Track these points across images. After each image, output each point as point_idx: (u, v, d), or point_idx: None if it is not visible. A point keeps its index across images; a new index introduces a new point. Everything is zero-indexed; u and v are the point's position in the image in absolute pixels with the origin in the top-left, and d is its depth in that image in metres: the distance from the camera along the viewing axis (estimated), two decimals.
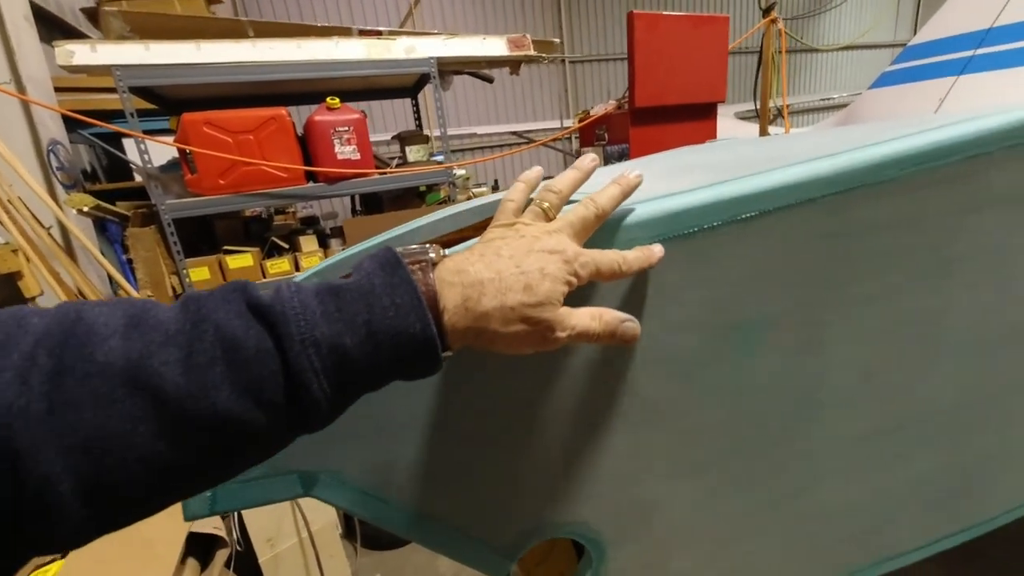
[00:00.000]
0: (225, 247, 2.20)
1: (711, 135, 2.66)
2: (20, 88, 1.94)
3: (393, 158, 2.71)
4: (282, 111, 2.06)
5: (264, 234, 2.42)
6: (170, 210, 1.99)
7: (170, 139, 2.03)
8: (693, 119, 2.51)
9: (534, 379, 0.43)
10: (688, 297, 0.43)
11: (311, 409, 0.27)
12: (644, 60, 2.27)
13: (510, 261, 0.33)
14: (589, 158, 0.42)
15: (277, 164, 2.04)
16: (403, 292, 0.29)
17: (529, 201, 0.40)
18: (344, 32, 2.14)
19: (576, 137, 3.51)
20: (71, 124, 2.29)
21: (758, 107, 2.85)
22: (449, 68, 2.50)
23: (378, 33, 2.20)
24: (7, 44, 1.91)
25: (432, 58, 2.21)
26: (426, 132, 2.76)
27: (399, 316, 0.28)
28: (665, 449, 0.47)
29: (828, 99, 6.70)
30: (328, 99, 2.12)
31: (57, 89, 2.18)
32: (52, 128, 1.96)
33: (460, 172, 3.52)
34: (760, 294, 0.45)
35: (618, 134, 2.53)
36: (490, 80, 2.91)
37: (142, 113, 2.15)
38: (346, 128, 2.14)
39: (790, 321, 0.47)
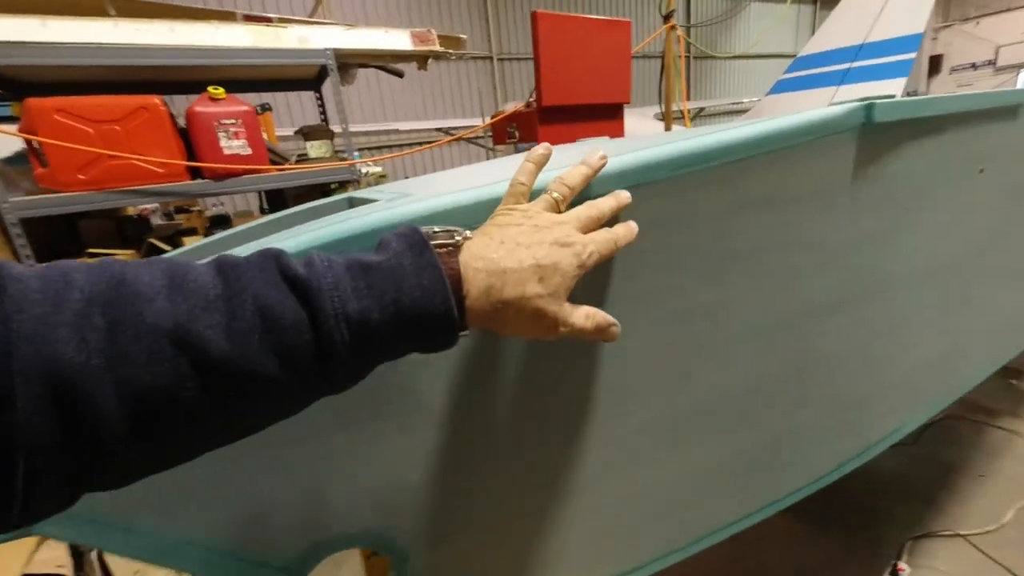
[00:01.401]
0: (90, 250, 1.96)
1: (618, 134, 2.75)
2: None
3: (303, 154, 2.55)
4: (154, 99, 1.86)
5: (143, 235, 2.19)
6: (15, 208, 1.74)
7: (12, 127, 1.77)
8: (600, 119, 2.58)
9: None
10: None
11: (335, 377, 0.30)
12: (549, 59, 2.29)
13: (528, 252, 0.35)
14: (598, 155, 0.43)
15: (150, 158, 1.85)
16: (430, 275, 0.31)
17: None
18: (226, 16, 1.98)
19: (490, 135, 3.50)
20: None
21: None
22: (352, 61, 2.39)
23: (267, 20, 2.05)
24: None
25: (329, 49, 2.09)
26: (336, 127, 2.62)
27: (425, 297, 0.31)
28: (449, 450, 0.45)
29: (738, 103, 7.19)
30: (210, 88, 1.94)
31: None
32: None
33: (374, 169, 3.39)
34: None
35: (528, 132, 2.54)
36: (400, 74, 2.82)
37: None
38: (233, 121, 1.98)
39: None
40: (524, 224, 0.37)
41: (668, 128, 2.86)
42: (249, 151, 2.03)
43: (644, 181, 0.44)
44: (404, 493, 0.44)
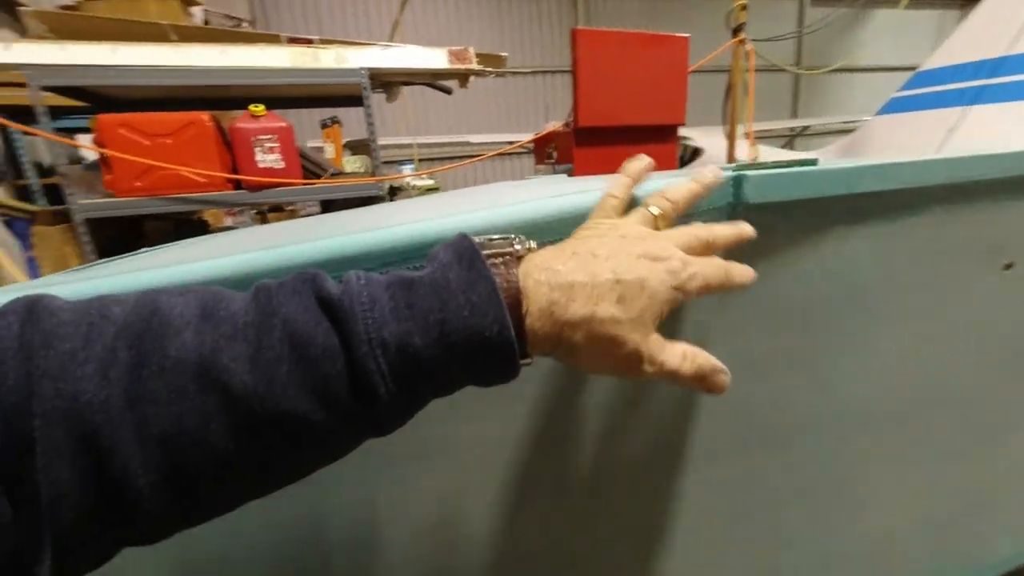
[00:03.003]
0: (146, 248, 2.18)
1: (670, 159, 2.50)
2: None
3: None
4: (202, 116, 2.02)
5: (199, 235, 2.39)
6: (82, 210, 1.97)
7: (86, 138, 2.02)
8: (647, 142, 2.35)
9: None
10: None
11: (379, 411, 0.25)
12: (588, 78, 2.14)
13: (606, 264, 0.29)
14: (711, 171, 0.37)
15: (191, 169, 2.00)
16: (481, 289, 0.26)
17: (633, 200, 0.37)
18: (272, 39, 2.10)
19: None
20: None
21: (733, 130, 2.66)
22: (393, 79, 2.43)
23: (309, 41, 2.15)
24: None
25: (364, 68, 2.14)
26: (407, 140, 2.67)
27: (474, 315, 0.25)
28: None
29: (854, 121, 6.33)
30: (251, 106, 2.07)
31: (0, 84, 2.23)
32: None
33: (424, 182, 3.45)
34: None
35: (566, 154, 2.40)
36: (448, 91, 2.82)
37: (71, 111, 2.15)
38: (269, 136, 2.09)
39: None
40: (608, 235, 0.31)
41: (731, 157, 2.53)
42: (283, 165, 2.13)
43: None
44: None
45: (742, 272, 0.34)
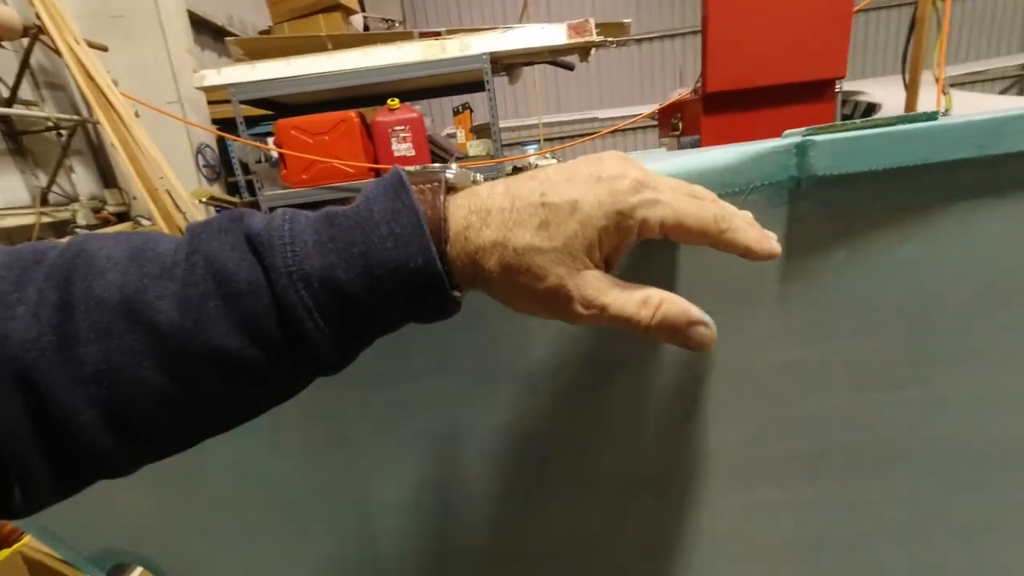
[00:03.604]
0: None
1: (826, 119, 2.12)
2: (181, 105, 2.60)
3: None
4: (350, 114, 2.32)
5: None
6: (266, 200, 2.44)
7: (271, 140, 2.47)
8: (794, 102, 2.03)
9: None
10: None
11: (312, 349, 0.24)
12: (720, 33, 1.91)
13: (536, 187, 0.25)
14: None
15: (340, 161, 2.32)
16: (404, 219, 0.24)
17: None
18: (406, 37, 2.29)
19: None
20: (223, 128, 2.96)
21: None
22: (515, 61, 2.47)
23: (437, 35, 2.29)
24: (173, 73, 2.55)
25: (485, 54, 2.22)
26: (533, 120, 2.76)
27: (398, 247, 0.24)
28: (192, 510, 0.47)
29: None
30: (388, 100, 2.31)
31: (211, 102, 2.84)
32: (201, 134, 2.58)
33: (550, 161, 3.46)
34: None
35: (692, 124, 2.20)
36: (570, 67, 2.78)
37: (264, 118, 2.64)
38: (402, 127, 2.31)
39: (296, 409, 0.42)
40: (570, 162, 0.27)
41: (911, 105, 2.03)
42: (413, 153, 2.35)
43: None
44: (148, 535, 0.49)
45: (751, 235, 0.27)
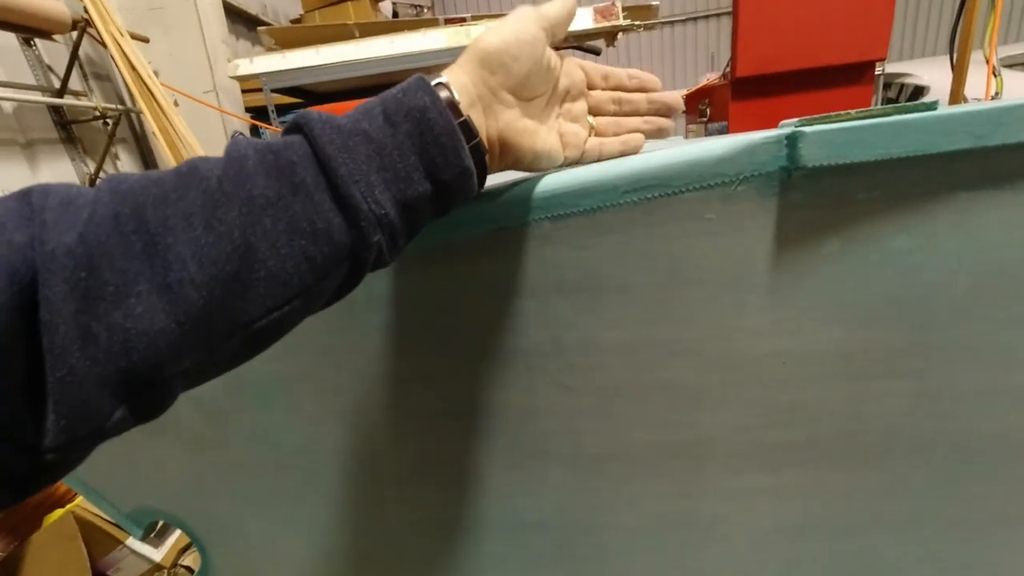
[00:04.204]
0: None
1: (865, 106, 2.02)
2: (216, 94, 2.69)
3: None
4: None
5: None
6: None
7: None
8: (830, 86, 1.95)
9: None
10: None
11: (346, 195, 0.26)
12: (752, 14, 1.84)
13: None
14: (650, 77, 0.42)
15: None
16: (412, 82, 0.31)
17: None
18: (432, 23, 2.29)
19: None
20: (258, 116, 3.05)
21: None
22: None
23: (462, 20, 2.29)
24: (209, 62, 2.64)
25: None
26: None
27: (407, 95, 0.30)
28: (218, 474, 0.51)
29: None
30: None
31: (245, 90, 2.92)
32: (235, 122, 2.67)
33: None
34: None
35: (720, 110, 2.14)
36: (597, 52, 2.73)
37: (295, 106, 2.71)
38: None
39: (307, 382, 0.45)
40: None
41: (957, 95, 1.92)
42: None
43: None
44: (191, 501, 0.53)
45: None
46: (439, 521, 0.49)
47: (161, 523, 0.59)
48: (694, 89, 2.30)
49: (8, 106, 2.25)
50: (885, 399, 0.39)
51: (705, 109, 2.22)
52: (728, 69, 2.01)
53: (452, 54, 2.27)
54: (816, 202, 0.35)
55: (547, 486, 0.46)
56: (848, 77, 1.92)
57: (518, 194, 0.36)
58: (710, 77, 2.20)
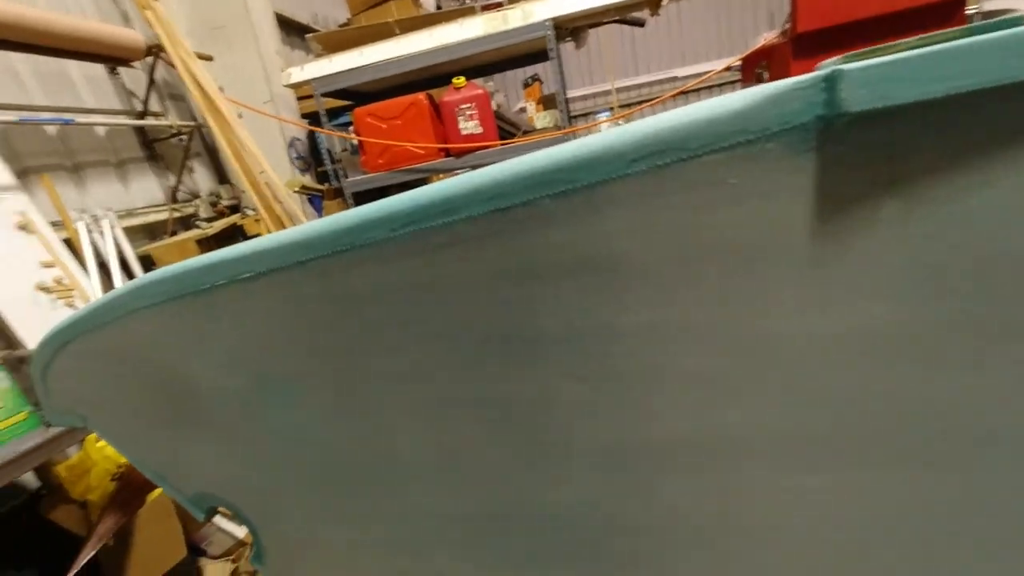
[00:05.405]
0: None
1: None
2: (274, 103, 2.84)
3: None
4: (420, 96, 2.38)
5: None
6: (348, 186, 2.61)
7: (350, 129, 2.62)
8: (908, 33, 1.71)
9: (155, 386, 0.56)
10: (216, 344, 0.47)
11: None
12: None
13: None
14: None
15: (411, 143, 2.41)
16: None
17: None
18: (468, 12, 2.28)
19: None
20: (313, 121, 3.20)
21: None
22: (580, 23, 2.36)
23: (499, 5, 2.25)
24: (266, 73, 2.79)
25: (547, 20, 2.14)
26: (607, 86, 2.66)
27: None
28: (256, 465, 0.54)
29: None
30: (454, 79, 2.33)
31: (300, 97, 3.07)
32: (292, 128, 2.81)
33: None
34: (277, 350, 0.45)
35: (780, 71, 1.95)
36: (641, 24, 2.60)
37: (346, 108, 2.81)
38: (469, 105, 2.33)
39: (320, 382, 0.45)
40: None
41: None
42: (480, 130, 2.36)
43: (358, 243, 0.37)
44: (228, 483, 0.56)
45: None
46: (462, 514, 0.48)
47: None
48: (750, 51, 2.11)
49: (101, 130, 2.51)
50: (958, 390, 0.33)
51: (763, 73, 2.04)
52: (788, 24, 1.83)
53: (490, 41, 2.24)
54: (866, 156, 0.30)
55: (572, 481, 0.44)
56: (931, 20, 1.68)
57: (515, 172, 0.34)
58: (768, 37, 2.01)
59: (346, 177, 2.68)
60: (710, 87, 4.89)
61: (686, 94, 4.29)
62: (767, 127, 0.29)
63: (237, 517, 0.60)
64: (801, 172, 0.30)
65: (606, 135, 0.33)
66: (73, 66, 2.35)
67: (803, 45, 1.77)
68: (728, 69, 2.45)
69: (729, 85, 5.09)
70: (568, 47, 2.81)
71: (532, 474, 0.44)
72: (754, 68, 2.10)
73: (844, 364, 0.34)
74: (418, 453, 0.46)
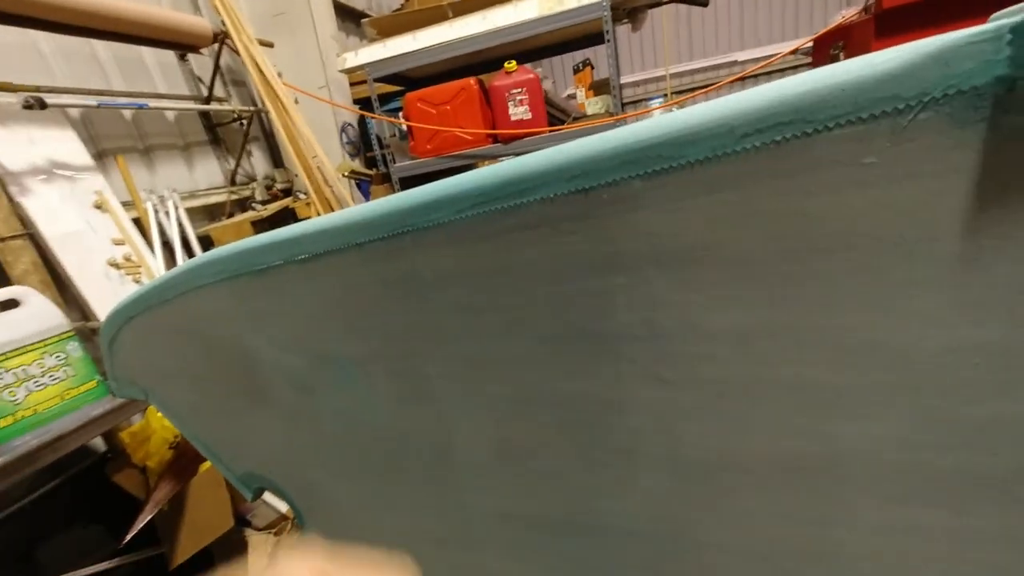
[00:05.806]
0: None
1: None
2: (328, 89, 2.89)
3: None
4: (470, 81, 2.35)
5: None
6: (396, 171, 2.63)
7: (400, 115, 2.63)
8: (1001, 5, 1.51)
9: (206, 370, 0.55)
10: (276, 323, 0.46)
11: None
12: None
13: None
14: None
15: (460, 129, 2.39)
16: None
17: None
18: None
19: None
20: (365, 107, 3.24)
21: None
22: (638, 3, 2.25)
23: None
24: (322, 59, 2.84)
25: (604, 0, 2.05)
26: (661, 72, 2.56)
27: None
28: (311, 446, 0.53)
29: None
30: (505, 64, 2.28)
31: (353, 83, 3.11)
32: (344, 114, 2.86)
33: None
34: (336, 331, 0.43)
35: (859, 51, 1.78)
36: (703, 3, 2.45)
37: (398, 93, 2.82)
38: (519, 90, 2.28)
39: (381, 363, 0.43)
40: None
41: None
42: (530, 116, 2.31)
43: (421, 225, 0.34)
44: (288, 470, 0.56)
45: None
46: (517, 514, 0.46)
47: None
48: (826, 30, 1.94)
49: (171, 115, 2.65)
50: None
51: (838, 54, 1.87)
52: (870, 2, 1.66)
53: (544, 23, 2.18)
54: None
55: (637, 491, 0.40)
56: None
57: (601, 148, 0.30)
58: (846, 14, 1.83)
59: (394, 162, 2.70)
60: (770, 72, 4.56)
61: (743, 80, 4.03)
62: (927, 91, 0.24)
63: (283, 498, 0.60)
64: (964, 149, 0.25)
65: (709, 105, 0.28)
66: (148, 53, 2.47)
67: (888, 21, 1.61)
68: (794, 52, 2.26)
69: (792, 70, 4.73)
70: (623, 30, 2.70)
71: (595, 479, 0.41)
72: (828, 50, 1.93)
73: (991, 386, 0.29)
74: (476, 446, 0.43)
